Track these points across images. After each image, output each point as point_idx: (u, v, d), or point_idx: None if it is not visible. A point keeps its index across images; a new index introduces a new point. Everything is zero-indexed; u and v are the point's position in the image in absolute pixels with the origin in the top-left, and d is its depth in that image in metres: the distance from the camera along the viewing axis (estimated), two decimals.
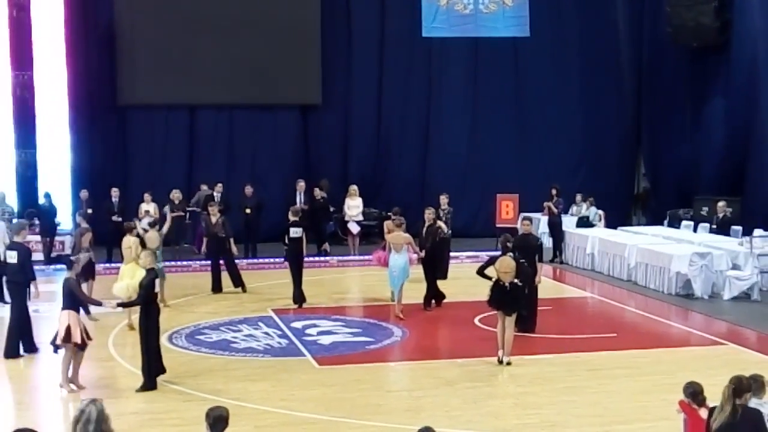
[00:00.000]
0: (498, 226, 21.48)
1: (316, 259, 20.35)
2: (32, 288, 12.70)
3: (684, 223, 21.06)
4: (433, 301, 15.77)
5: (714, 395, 7.05)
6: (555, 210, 20.89)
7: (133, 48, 22.75)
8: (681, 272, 16.85)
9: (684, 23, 22.22)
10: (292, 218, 15.89)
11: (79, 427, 5.88)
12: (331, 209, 22.37)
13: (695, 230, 20.08)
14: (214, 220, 17.18)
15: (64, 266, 11.84)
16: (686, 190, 23.18)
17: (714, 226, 19.61)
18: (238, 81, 23.09)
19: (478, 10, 23.87)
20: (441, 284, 15.99)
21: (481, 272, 12.41)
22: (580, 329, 14.44)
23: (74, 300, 10.96)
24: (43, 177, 22.16)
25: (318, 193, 21.99)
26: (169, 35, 22.71)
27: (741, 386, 6.62)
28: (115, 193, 20.59)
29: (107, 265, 18.62)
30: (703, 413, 7.14)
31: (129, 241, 14.49)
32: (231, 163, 23.63)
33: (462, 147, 24.73)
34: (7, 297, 16.20)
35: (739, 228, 18.79)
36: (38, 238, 20.16)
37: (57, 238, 20.85)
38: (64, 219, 21.45)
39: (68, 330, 10.78)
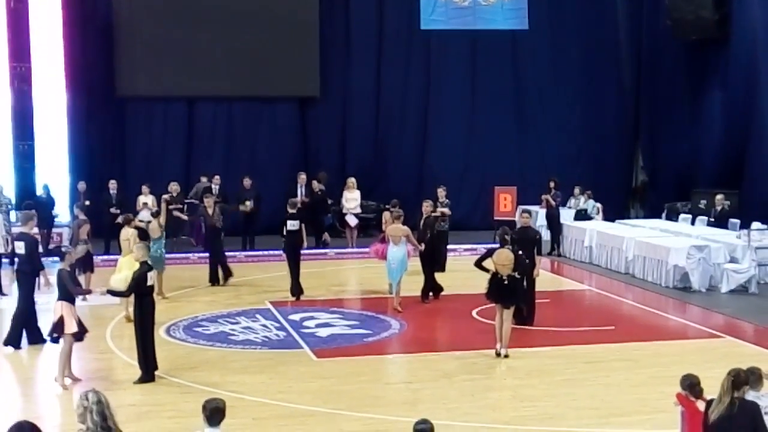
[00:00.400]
0: (496, 218, 21.51)
1: (315, 251, 20.33)
2: (41, 278, 12.76)
3: (682, 216, 21.06)
4: (431, 294, 15.78)
5: (711, 388, 7.05)
6: (553, 203, 20.89)
7: (132, 40, 22.71)
8: (679, 265, 16.86)
9: (683, 16, 22.20)
10: (289, 211, 15.90)
11: (88, 415, 5.85)
12: (329, 202, 22.35)
13: (693, 223, 20.09)
14: (210, 211, 17.23)
15: (58, 258, 11.83)
16: (684, 183, 23.19)
17: (712, 219, 19.61)
18: (237, 73, 23.07)
19: (476, 3, 23.85)
20: (439, 277, 15.99)
21: (479, 264, 12.40)
22: (577, 322, 14.45)
23: (68, 291, 10.96)
24: (41, 169, 22.15)
25: (316, 185, 21.96)
26: (167, 27, 22.66)
27: (739, 379, 6.62)
28: (113, 185, 20.57)
29: (105, 257, 18.60)
30: (701, 405, 7.15)
31: (127, 233, 14.50)
32: (229, 156, 23.61)
33: (460, 140, 24.72)
34: (5, 289, 16.30)
35: (737, 221, 18.80)
36: (36, 230, 20.11)
37: (55, 230, 20.82)
38: (62, 211, 21.43)
39: (62, 320, 10.79)
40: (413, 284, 15.59)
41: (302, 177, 22.02)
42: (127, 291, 11.18)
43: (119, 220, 15.64)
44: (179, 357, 12.12)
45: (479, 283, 12.69)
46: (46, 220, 20.45)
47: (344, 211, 22.02)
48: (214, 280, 17.15)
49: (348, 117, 24.52)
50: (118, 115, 23.25)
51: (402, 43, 24.49)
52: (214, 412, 6.43)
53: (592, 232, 19.94)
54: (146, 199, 20.23)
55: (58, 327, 10.83)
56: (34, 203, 19.79)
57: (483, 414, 9.91)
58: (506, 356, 12.03)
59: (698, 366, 9.64)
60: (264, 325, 13.92)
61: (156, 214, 15.84)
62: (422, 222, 15.65)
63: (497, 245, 12.59)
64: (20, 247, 12.81)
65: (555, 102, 24.93)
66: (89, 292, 11.94)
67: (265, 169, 23.11)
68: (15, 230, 19.61)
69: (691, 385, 7.42)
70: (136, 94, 22.97)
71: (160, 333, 13.17)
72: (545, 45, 24.80)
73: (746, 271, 16.71)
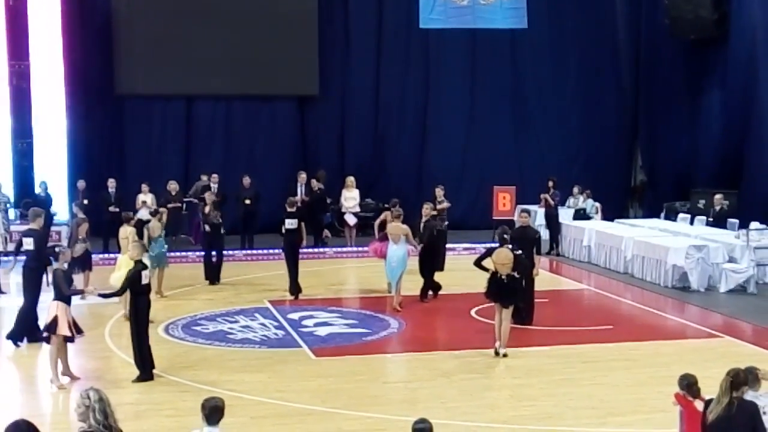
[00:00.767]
0: (495, 218, 21.50)
1: (314, 250, 20.33)
2: (49, 274, 12.75)
3: (681, 215, 21.05)
4: (431, 292, 15.78)
5: (709, 387, 7.05)
6: (552, 202, 20.89)
7: (131, 38, 22.69)
8: (677, 265, 16.87)
9: (682, 15, 22.19)
10: (288, 209, 15.89)
11: (90, 414, 5.84)
12: (329, 201, 22.35)
13: (692, 223, 20.09)
14: (208, 209, 17.20)
15: (52, 258, 11.83)
16: (683, 182, 23.19)
17: (711, 219, 19.61)
18: (236, 71, 23.05)
19: (475, 2, 23.78)
20: (438, 276, 15.98)
21: (478, 263, 12.40)
22: (576, 321, 14.45)
23: (63, 291, 10.94)
24: (39, 167, 22.14)
25: (315, 184, 21.96)
26: (166, 25, 22.65)
27: (738, 379, 6.62)
28: (111, 183, 20.55)
29: (104, 255, 18.59)
30: (699, 405, 7.15)
31: (126, 232, 14.51)
32: (228, 154, 23.59)
33: (459, 139, 24.71)
34: (4, 287, 16.29)
35: (736, 221, 18.79)
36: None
37: (53, 228, 20.76)
38: (61, 209, 21.42)
39: (55, 320, 10.77)
40: (412, 283, 15.59)
41: (302, 176, 22.01)
42: (120, 290, 11.18)
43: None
44: (178, 356, 12.12)
45: (478, 283, 12.70)
46: (45, 219, 20.40)
47: (343, 210, 22.01)
48: (213, 279, 17.11)
49: (347, 116, 24.51)
50: (117, 114, 23.23)
51: (401, 42, 24.48)
52: (213, 411, 6.43)
53: (591, 232, 19.94)
54: (145, 197, 20.23)
55: (51, 327, 10.81)
56: (32, 201, 19.84)
57: (481, 413, 9.91)
58: (505, 355, 12.04)
59: (696, 366, 9.65)
60: (263, 324, 13.92)
61: (155, 213, 15.84)
62: (422, 225, 15.66)
63: (497, 244, 12.60)
64: (28, 243, 12.81)
65: (554, 101, 24.93)
66: (82, 292, 11.91)
67: (263, 167, 23.10)
68: (14, 228, 19.71)
69: (689, 385, 7.43)
70: (135, 92, 22.95)
71: (158, 331, 13.21)
72: (544, 44, 24.80)
73: (745, 271, 16.71)
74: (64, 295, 10.86)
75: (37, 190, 20.90)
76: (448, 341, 13.38)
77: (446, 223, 17.78)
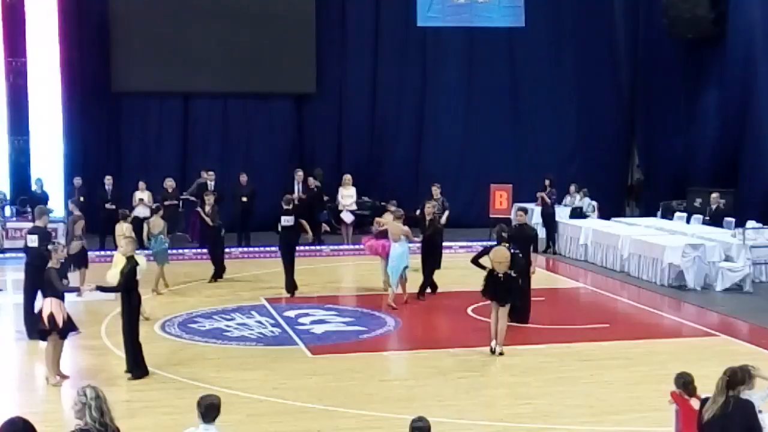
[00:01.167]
0: (492, 216, 21.51)
1: (310, 248, 20.31)
2: None
3: (677, 214, 21.07)
4: (428, 289, 15.77)
5: (706, 386, 7.06)
6: (548, 200, 20.91)
7: (128, 35, 22.65)
8: (674, 263, 16.88)
9: (679, 14, 22.20)
10: (284, 207, 15.89)
11: (87, 411, 5.84)
12: (326, 198, 22.33)
13: (688, 222, 20.11)
14: (207, 208, 17.21)
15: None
16: (680, 181, 23.20)
17: (707, 218, 19.63)
18: (233, 69, 23.04)
19: (473, 0, 23.81)
20: (435, 274, 15.96)
21: (475, 261, 12.42)
22: (572, 320, 14.46)
23: (56, 288, 10.92)
24: (36, 164, 22.10)
25: (312, 182, 21.95)
26: (163, 23, 22.63)
27: (735, 378, 6.62)
28: (108, 180, 20.54)
29: (100, 252, 18.58)
30: (695, 403, 7.15)
31: (122, 229, 14.51)
32: (225, 152, 23.58)
33: (456, 137, 24.71)
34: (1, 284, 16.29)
35: (732, 220, 18.81)
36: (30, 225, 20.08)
37: (49, 225, 20.72)
38: (57, 206, 21.37)
39: (51, 317, 10.75)
40: (410, 282, 15.57)
41: (299, 174, 22.01)
42: (118, 287, 11.16)
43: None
44: (174, 353, 12.11)
45: (475, 281, 12.69)
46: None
47: (340, 208, 22.00)
48: (217, 276, 17.12)
49: (344, 114, 24.50)
50: (114, 111, 23.19)
51: (398, 40, 24.47)
52: (209, 409, 6.43)
53: (588, 230, 19.95)
54: (142, 194, 20.21)
55: (49, 323, 10.78)
56: (28, 198, 19.83)
57: (478, 411, 9.92)
58: (501, 354, 12.04)
59: (693, 364, 9.63)
60: (259, 322, 13.91)
61: (157, 210, 15.85)
62: (427, 223, 15.65)
63: (494, 243, 12.60)
64: (33, 241, 12.81)
65: (551, 100, 24.93)
66: (77, 289, 11.90)
67: (260, 165, 23.09)
68: (10, 225, 19.69)
69: (685, 383, 7.43)
70: (132, 89, 22.92)
71: (155, 329, 13.21)
72: (542, 43, 24.80)
73: (741, 270, 16.73)
74: (57, 292, 10.84)
75: (33, 187, 20.86)
76: (444, 339, 13.39)
77: (444, 221, 17.76)
